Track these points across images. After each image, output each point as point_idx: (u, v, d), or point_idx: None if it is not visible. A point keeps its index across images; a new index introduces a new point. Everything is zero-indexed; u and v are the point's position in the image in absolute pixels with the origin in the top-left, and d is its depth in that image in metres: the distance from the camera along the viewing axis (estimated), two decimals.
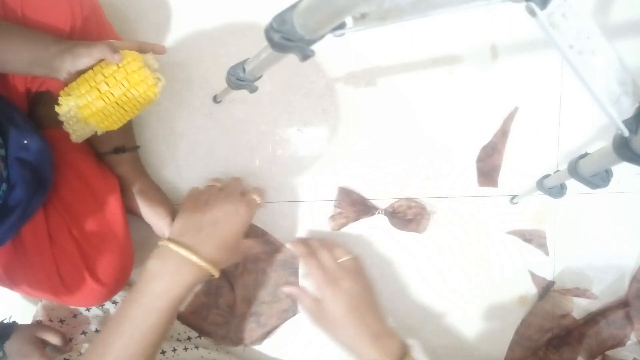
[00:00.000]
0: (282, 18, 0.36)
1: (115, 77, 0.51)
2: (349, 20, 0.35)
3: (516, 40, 0.73)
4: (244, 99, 0.71)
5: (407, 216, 0.72)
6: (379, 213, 0.73)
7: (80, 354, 0.64)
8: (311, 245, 0.69)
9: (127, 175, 0.66)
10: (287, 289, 0.71)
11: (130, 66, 0.51)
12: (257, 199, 0.62)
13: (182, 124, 0.71)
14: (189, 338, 0.73)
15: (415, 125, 0.73)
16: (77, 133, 0.54)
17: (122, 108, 0.53)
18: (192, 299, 0.72)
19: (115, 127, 0.55)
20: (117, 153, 0.65)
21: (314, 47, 0.37)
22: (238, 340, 0.74)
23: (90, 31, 0.55)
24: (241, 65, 0.51)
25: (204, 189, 0.64)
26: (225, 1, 0.69)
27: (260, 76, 0.52)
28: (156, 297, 0.51)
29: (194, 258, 0.53)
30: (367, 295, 0.65)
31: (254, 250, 0.70)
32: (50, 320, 0.69)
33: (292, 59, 0.40)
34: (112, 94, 0.51)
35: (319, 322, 0.64)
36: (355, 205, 0.73)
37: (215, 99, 0.70)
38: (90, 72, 0.51)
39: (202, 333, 0.73)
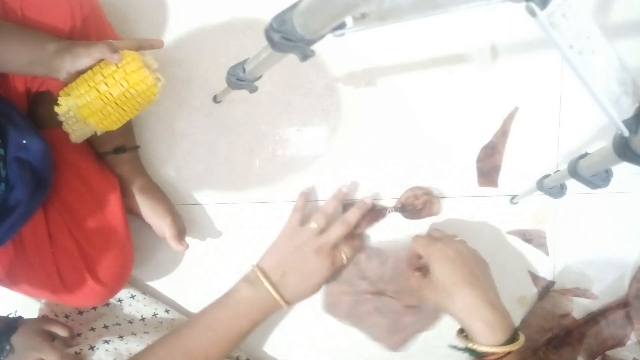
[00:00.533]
0: (282, 18, 0.36)
1: (114, 77, 0.51)
2: (349, 20, 0.35)
3: (516, 40, 0.73)
4: (244, 99, 0.71)
5: (417, 207, 0.72)
6: (389, 212, 0.73)
7: (91, 347, 0.64)
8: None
9: (127, 175, 0.66)
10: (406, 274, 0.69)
11: (129, 66, 0.51)
12: (348, 253, 0.67)
13: (182, 124, 0.71)
14: None
15: (415, 125, 0.73)
16: (77, 133, 0.54)
17: (121, 108, 0.53)
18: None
19: (114, 127, 0.55)
20: (117, 153, 0.65)
21: (314, 47, 0.37)
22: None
23: (90, 31, 0.55)
24: (241, 65, 0.51)
25: (305, 228, 0.66)
26: (225, 1, 0.69)
27: (260, 76, 0.52)
28: (243, 319, 0.60)
29: (276, 296, 0.61)
30: (480, 261, 0.61)
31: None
32: (56, 316, 0.69)
33: (292, 59, 0.40)
34: (111, 94, 0.52)
35: (425, 289, 0.61)
36: (364, 214, 0.72)
37: (215, 99, 0.70)
38: (89, 72, 0.51)
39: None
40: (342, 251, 0.66)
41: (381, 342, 0.74)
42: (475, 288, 0.56)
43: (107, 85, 0.51)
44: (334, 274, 0.70)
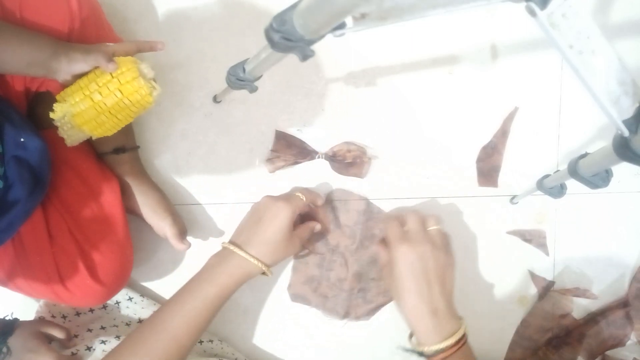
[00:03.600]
0: (282, 18, 0.36)
1: (108, 87, 0.51)
2: (349, 20, 0.35)
3: (516, 40, 0.73)
4: (244, 99, 0.71)
5: (347, 159, 0.71)
6: (319, 157, 0.72)
7: (88, 347, 0.65)
8: (403, 210, 0.70)
9: (127, 175, 0.66)
10: (376, 247, 0.69)
11: (124, 76, 0.51)
12: (301, 196, 0.65)
13: (182, 124, 0.71)
14: None
15: (415, 125, 0.73)
16: (72, 138, 0.55)
17: (115, 117, 0.54)
18: (304, 269, 0.74)
19: (109, 133, 0.56)
20: (117, 153, 0.65)
21: (314, 47, 0.37)
22: (344, 314, 0.75)
23: (88, 33, 0.55)
24: (241, 65, 0.51)
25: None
26: (225, 1, 0.69)
27: (260, 76, 0.52)
28: (208, 284, 0.57)
29: (240, 252, 0.59)
30: (441, 267, 0.60)
31: (307, 237, 0.68)
32: (53, 317, 0.69)
33: (292, 59, 0.40)
34: (105, 103, 0.52)
35: (386, 280, 0.63)
36: (292, 147, 0.72)
37: (215, 99, 0.70)
38: (85, 79, 0.52)
39: (309, 304, 0.75)
40: (297, 195, 0.66)
41: (350, 315, 0.75)
42: (423, 298, 0.58)
43: (101, 94, 0.52)
44: (304, 244, 0.68)
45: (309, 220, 0.69)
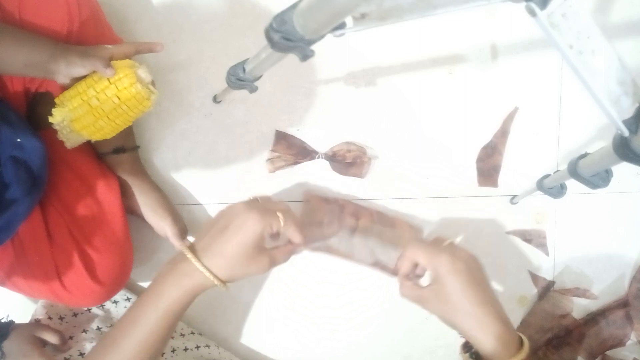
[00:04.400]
0: (282, 18, 0.35)
1: (106, 93, 0.52)
2: (349, 20, 0.35)
3: (516, 40, 0.73)
4: (244, 99, 0.71)
5: (347, 159, 0.71)
6: (319, 157, 0.72)
7: (81, 353, 0.65)
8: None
9: (127, 176, 0.66)
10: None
11: (121, 82, 0.52)
12: (280, 217, 0.54)
13: (182, 124, 0.71)
14: (192, 332, 0.73)
15: (415, 125, 0.73)
16: (71, 141, 0.55)
17: (114, 121, 0.54)
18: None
19: (109, 136, 0.56)
20: (117, 153, 0.65)
21: (314, 47, 0.37)
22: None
23: (87, 34, 0.55)
24: (241, 65, 0.51)
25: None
26: (225, 1, 0.69)
27: (260, 76, 0.52)
28: (157, 296, 0.50)
29: (194, 261, 0.50)
30: (483, 271, 0.55)
31: (281, 263, 0.56)
32: (50, 318, 0.69)
33: (292, 59, 0.40)
34: (102, 109, 0.52)
35: (425, 300, 0.55)
36: (293, 148, 0.72)
37: (215, 99, 0.70)
38: (83, 84, 0.52)
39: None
40: (277, 214, 0.54)
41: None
42: (487, 305, 0.52)
43: (98, 100, 0.52)
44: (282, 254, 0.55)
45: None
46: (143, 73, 0.54)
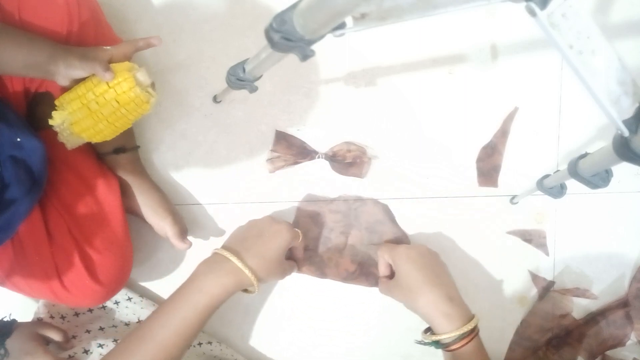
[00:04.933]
0: (282, 18, 0.36)
1: (105, 97, 0.52)
2: (349, 20, 0.35)
3: (516, 40, 0.73)
4: (244, 99, 0.71)
5: (347, 159, 0.72)
6: (319, 157, 0.72)
7: (86, 350, 0.64)
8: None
9: (127, 176, 0.66)
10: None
11: (120, 87, 0.52)
12: (300, 232, 0.67)
13: (182, 124, 0.71)
14: None
15: (415, 125, 0.73)
16: (71, 143, 0.56)
17: (114, 124, 0.55)
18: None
19: (108, 138, 0.56)
20: (117, 153, 0.65)
21: (314, 47, 0.37)
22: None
23: (87, 35, 0.55)
24: (241, 65, 0.51)
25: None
26: (225, 1, 0.69)
27: (260, 76, 0.52)
28: (198, 293, 0.55)
29: (235, 260, 0.57)
30: (440, 261, 0.66)
31: (294, 270, 0.71)
32: (52, 317, 0.69)
33: (292, 59, 0.40)
34: (102, 112, 0.53)
35: (392, 290, 0.66)
36: (292, 147, 0.72)
37: (215, 99, 0.70)
38: (82, 86, 0.52)
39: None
40: (296, 230, 0.67)
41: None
42: (436, 286, 0.61)
43: (97, 104, 0.52)
44: (299, 254, 0.71)
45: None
46: (142, 76, 0.54)
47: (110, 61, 0.53)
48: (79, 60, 0.50)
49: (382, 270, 0.70)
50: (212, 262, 0.59)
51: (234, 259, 0.58)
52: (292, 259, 0.71)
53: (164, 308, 0.55)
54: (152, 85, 0.56)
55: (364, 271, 0.74)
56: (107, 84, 0.51)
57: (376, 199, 0.74)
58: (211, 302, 0.55)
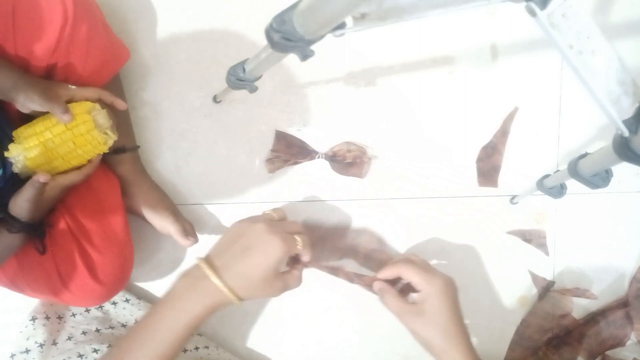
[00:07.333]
0: (282, 18, 0.36)
1: (62, 138, 0.53)
2: (349, 20, 0.35)
3: (516, 40, 0.73)
4: (244, 99, 0.71)
5: (347, 159, 0.71)
6: (319, 157, 0.72)
7: (80, 355, 0.64)
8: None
9: (128, 175, 0.66)
10: (376, 285, 0.64)
11: (78, 129, 0.53)
12: (299, 241, 0.57)
13: (182, 124, 0.71)
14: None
15: (415, 125, 0.73)
16: (24, 174, 0.55)
17: (69, 162, 0.55)
18: None
19: (63, 171, 0.57)
20: (118, 153, 0.65)
21: (314, 47, 0.37)
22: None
23: (80, 35, 0.53)
24: (241, 65, 0.51)
25: (255, 216, 0.59)
26: (225, 2, 0.69)
27: (260, 76, 0.52)
28: (176, 313, 0.51)
29: (215, 280, 0.51)
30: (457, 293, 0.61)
31: (292, 288, 0.58)
32: (48, 317, 0.69)
33: (292, 59, 0.40)
34: (57, 152, 0.54)
35: (406, 314, 0.59)
36: (292, 147, 0.72)
37: (215, 99, 0.70)
38: (40, 124, 0.53)
39: None
40: (296, 238, 0.57)
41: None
42: (463, 334, 0.57)
43: (54, 143, 0.53)
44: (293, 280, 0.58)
45: (300, 266, 0.60)
46: (102, 118, 0.55)
47: (71, 100, 0.54)
48: (39, 96, 0.50)
49: (387, 276, 0.63)
50: (193, 277, 0.52)
51: (213, 277, 0.51)
52: (296, 267, 0.60)
53: (143, 326, 0.51)
54: (112, 127, 0.57)
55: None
56: (65, 125, 0.52)
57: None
58: (192, 321, 0.50)
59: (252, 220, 0.57)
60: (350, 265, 0.73)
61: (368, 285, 0.66)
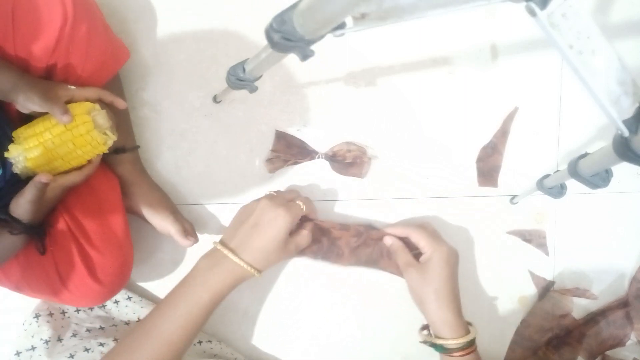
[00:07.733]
0: (282, 18, 0.36)
1: (61, 138, 0.53)
2: (349, 20, 0.35)
3: (516, 40, 0.73)
4: (244, 99, 0.71)
5: (347, 159, 0.71)
6: (319, 157, 0.72)
7: (87, 349, 0.64)
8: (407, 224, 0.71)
9: (128, 175, 0.66)
10: (388, 240, 0.70)
11: (77, 130, 0.53)
12: (301, 205, 0.63)
13: (182, 124, 0.71)
14: None
15: (415, 125, 0.73)
16: (24, 174, 0.56)
17: (69, 163, 0.56)
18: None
19: (63, 171, 0.57)
20: (118, 153, 0.65)
21: (314, 47, 0.37)
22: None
23: (80, 35, 0.53)
24: (241, 65, 0.51)
25: (259, 198, 0.64)
26: (225, 1, 0.69)
27: (260, 76, 0.52)
28: (201, 289, 0.56)
29: (234, 258, 0.57)
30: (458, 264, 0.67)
31: (304, 246, 0.66)
32: (51, 314, 0.69)
33: (292, 59, 0.40)
34: (57, 152, 0.54)
35: (412, 277, 0.65)
36: (292, 147, 0.72)
37: (215, 99, 0.70)
38: (40, 125, 0.54)
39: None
40: (298, 203, 0.64)
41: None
42: (456, 298, 0.64)
43: (54, 144, 0.53)
44: (300, 241, 0.64)
45: (308, 223, 0.66)
46: (101, 119, 0.55)
47: (70, 100, 0.54)
48: (39, 97, 0.50)
49: (395, 235, 0.69)
50: (212, 257, 0.59)
51: (232, 256, 0.58)
52: (304, 226, 0.66)
53: (168, 302, 0.56)
54: (111, 127, 0.57)
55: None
56: (65, 125, 0.52)
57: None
58: (214, 297, 0.56)
59: (255, 200, 0.64)
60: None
61: (377, 239, 0.70)
